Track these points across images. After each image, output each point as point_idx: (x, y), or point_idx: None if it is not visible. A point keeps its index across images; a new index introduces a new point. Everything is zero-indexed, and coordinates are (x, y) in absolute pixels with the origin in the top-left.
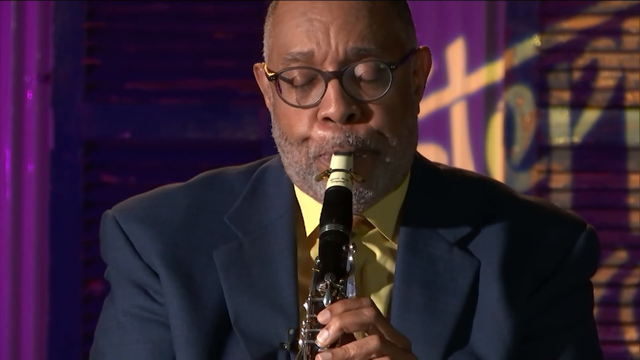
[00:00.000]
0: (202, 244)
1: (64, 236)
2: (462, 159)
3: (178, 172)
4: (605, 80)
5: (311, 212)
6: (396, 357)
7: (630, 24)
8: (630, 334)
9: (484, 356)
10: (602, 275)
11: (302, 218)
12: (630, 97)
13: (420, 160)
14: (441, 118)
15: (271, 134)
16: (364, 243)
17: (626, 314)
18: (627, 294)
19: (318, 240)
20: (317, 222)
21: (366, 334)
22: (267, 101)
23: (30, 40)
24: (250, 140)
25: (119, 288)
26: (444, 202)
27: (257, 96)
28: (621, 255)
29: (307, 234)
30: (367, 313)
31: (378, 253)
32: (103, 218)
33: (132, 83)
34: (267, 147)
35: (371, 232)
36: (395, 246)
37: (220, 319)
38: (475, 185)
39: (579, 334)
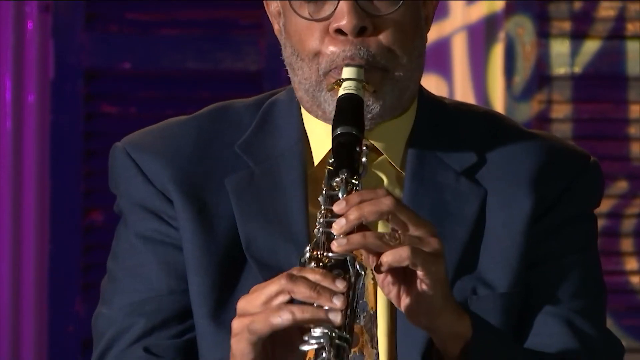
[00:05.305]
0: (213, 172)
1: (64, 166)
2: (463, 90)
3: (178, 102)
4: (606, 10)
5: (319, 143)
6: (423, 246)
7: None
8: (631, 264)
9: (491, 281)
10: (603, 206)
11: (311, 150)
12: (630, 27)
13: (426, 93)
14: (442, 48)
15: (271, 64)
16: (372, 170)
17: (626, 244)
18: (628, 224)
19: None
20: (325, 153)
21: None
22: (276, 27)
23: None
24: (250, 70)
25: (131, 214)
26: (450, 132)
27: (258, 26)
28: (621, 186)
29: (315, 164)
30: (385, 201)
31: (386, 180)
32: (112, 150)
33: (132, 13)
34: (267, 77)
35: (379, 159)
36: (403, 174)
37: (232, 245)
38: (481, 117)
39: (581, 262)
